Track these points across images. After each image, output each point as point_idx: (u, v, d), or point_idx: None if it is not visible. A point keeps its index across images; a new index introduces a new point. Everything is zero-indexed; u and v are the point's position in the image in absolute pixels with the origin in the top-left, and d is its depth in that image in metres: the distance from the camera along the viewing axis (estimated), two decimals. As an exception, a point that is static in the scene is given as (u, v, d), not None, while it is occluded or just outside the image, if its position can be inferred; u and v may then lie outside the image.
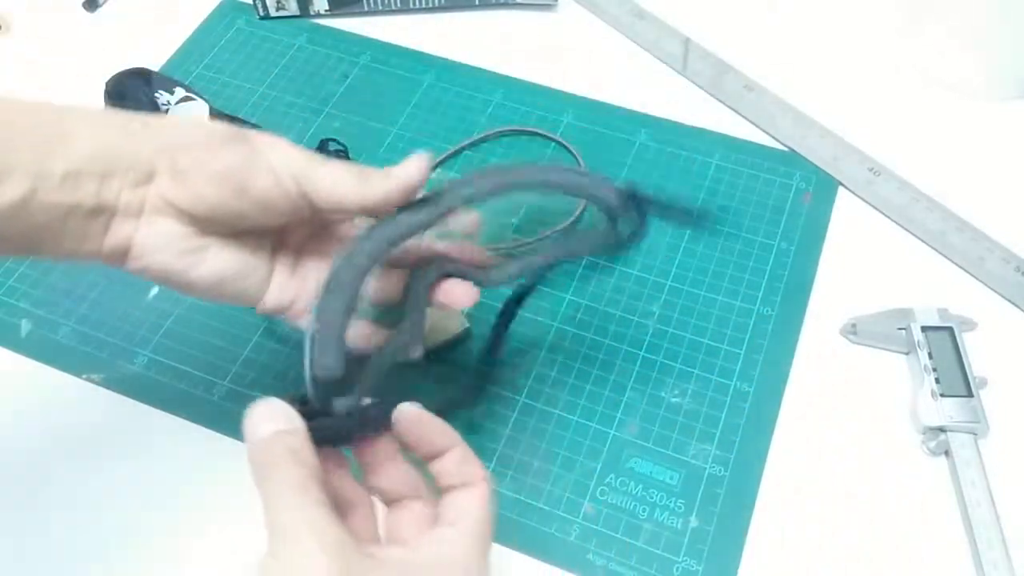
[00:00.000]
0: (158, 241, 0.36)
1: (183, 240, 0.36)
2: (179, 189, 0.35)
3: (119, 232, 0.35)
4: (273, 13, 0.70)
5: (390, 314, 0.42)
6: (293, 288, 0.40)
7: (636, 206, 0.42)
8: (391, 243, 0.38)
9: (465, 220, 0.41)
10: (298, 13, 0.70)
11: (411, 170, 0.37)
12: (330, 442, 0.35)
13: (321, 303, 0.37)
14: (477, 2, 0.70)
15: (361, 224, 0.42)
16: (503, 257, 0.43)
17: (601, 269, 0.56)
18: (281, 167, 0.36)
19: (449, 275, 0.42)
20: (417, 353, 0.40)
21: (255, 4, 0.70)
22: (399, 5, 0.70)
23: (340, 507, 0.33)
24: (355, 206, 0.37)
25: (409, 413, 0.35)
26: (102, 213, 0.35)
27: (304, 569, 0.28)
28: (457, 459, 0.34)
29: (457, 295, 0.41)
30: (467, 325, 0.52)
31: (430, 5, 0.70)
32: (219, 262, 0.37)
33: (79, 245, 0.35)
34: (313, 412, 0.34)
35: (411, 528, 0.35)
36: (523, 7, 0.70)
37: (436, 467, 0.35)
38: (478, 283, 0.42)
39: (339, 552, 0.29)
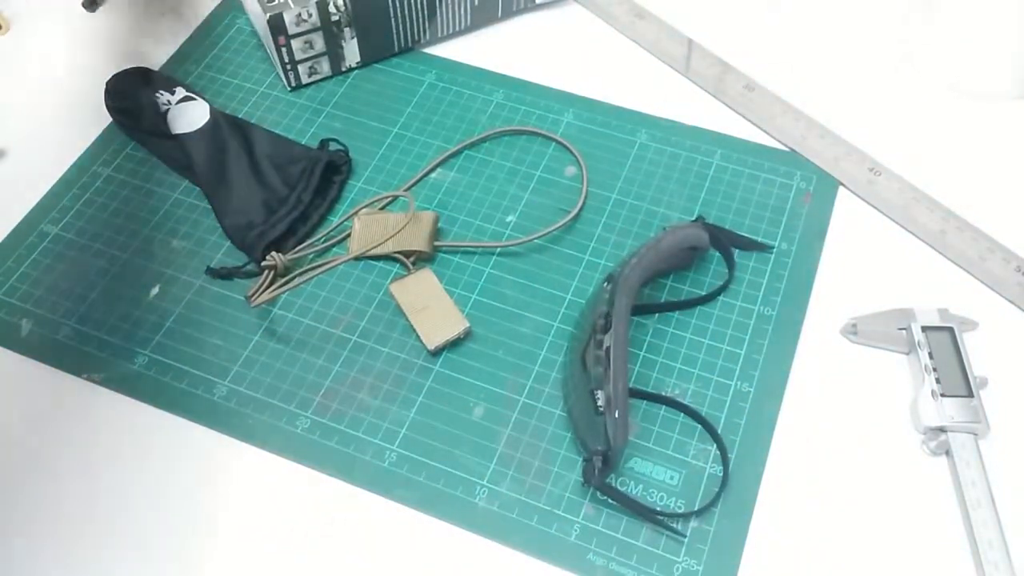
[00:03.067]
0: None
1: None
2: None
3: None
4: (306, 80, 0.65)
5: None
6: None
7: (718, 241, 0.55)
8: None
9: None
10: (330, 74, 0.66)
11: None
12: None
13: (612, 386, 0.46)
14: (500, 15, 0.69)
15: None
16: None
17: (603, 271, 0.56)
18: None
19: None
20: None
21: (285, 77, 0.64)
22: (427, 38, 0.67)
23: None
24: None
25: None
26: None
27: None
28: None
29: None
30: (467, 325, 0.52)
31: (459, 29, 0.68)
32: None
33: None
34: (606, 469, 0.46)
35: None
36: (538, 8, 0.70)
37: None
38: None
39: None
